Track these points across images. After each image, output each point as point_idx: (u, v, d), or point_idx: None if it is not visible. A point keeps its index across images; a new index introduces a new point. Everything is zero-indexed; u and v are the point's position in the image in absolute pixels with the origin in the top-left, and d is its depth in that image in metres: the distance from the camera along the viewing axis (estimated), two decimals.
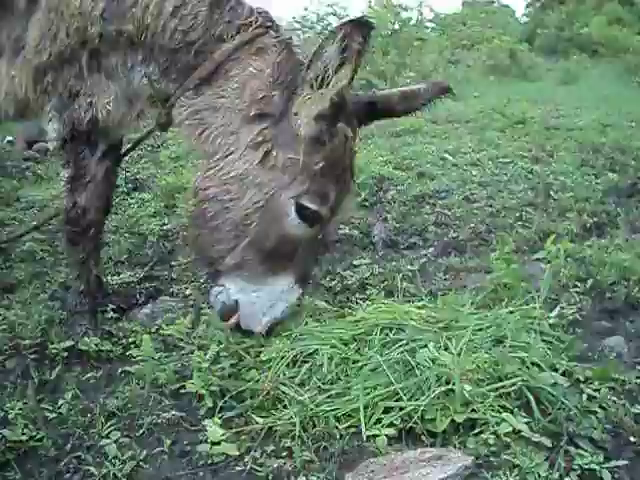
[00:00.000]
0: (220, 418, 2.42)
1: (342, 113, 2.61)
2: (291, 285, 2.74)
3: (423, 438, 2.28)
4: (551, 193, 5.19)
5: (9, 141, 7.06)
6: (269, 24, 2.80)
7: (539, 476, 2.07)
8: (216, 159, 2.73)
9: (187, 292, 3.60)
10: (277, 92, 2.65)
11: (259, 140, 2.64)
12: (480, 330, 2.73)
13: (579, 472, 2.12)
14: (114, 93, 2.92)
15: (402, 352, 2.55)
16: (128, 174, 5.83)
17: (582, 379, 2.61)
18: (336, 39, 2.39)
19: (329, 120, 2.59)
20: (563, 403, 2.37)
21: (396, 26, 13.24)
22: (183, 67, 2.80)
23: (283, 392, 2.48)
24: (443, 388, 2.34)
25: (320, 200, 2.65)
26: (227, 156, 2.70)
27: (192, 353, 2.70)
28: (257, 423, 2.38)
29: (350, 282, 3.67)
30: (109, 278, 3.78)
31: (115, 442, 2.32)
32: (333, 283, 3.67)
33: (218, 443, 2.27)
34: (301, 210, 2.64)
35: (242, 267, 2.72)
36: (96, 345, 2.93)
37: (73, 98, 2.92)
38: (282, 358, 2.61)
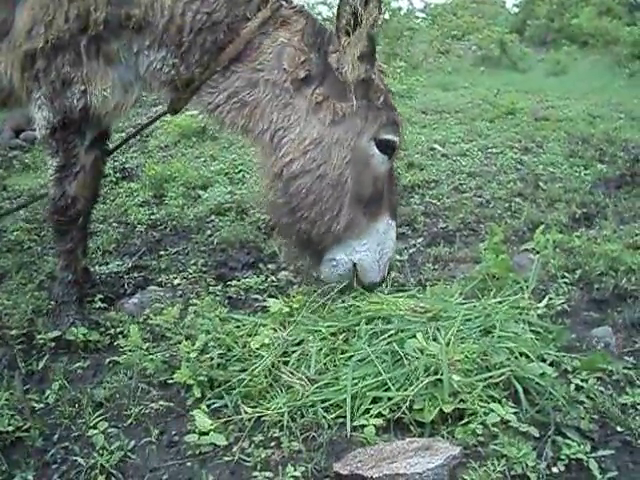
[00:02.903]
0: (208, 408, 2.41)
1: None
2: (388, 222, 2.85)
3: (411, 428, 2.29)
4: (540, 184, 5.20)
5: None
6: None
7: (527, 466, 2.08)
8: (280, 134, 2.77)
9: (175, 282, 3.59)
10: (313, 54, 2.76)
11: (319, 101, 2.73)
12: (469, 320, 2.74)
13: (566, 462, 2.14)
14: (111, 80, 2.88)
15: (390, 342, 2.55)
16: (117, 163, 5.80)
17: (570, 369, 2.62)
18: None
19: (370, 56, 2.71)
20: (551, 393, 2.38)
21: (386, 16, 13.16)
22: (209, 47, 2.80)
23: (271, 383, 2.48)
24: (431, 378, 2.34)
25: (394, 129, 2.80)
26: (291, 127, 2.75)
27: (180, 343, 2.68)
28: (246, 413, 2.38)
29: None
30: (97, 268, 3.76)
31: (103, 432, 2.32)
32: None
33: (206, 433, 2.27)
34: (381, 145, 2.77)
35: (349, 227, 2.77)
36: (83, 335, 2.92)
37: (66, 86, 2.86)
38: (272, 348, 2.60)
